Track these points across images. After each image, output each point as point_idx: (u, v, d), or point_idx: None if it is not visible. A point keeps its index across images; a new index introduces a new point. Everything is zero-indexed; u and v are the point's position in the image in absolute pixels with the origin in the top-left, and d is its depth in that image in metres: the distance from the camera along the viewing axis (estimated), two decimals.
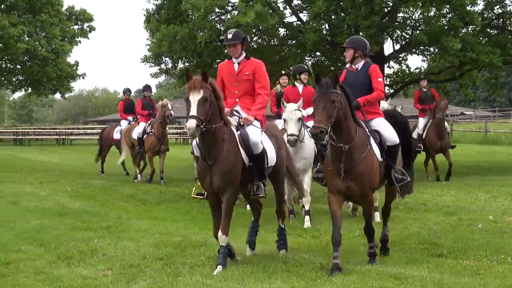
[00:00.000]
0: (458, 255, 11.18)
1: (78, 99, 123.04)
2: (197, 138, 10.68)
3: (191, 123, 9.95)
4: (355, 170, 10.45)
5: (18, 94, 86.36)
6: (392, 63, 31.97)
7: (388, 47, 30.96)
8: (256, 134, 11.18)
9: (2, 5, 55.11)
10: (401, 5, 28.89)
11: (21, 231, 13.87)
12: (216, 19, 28.89)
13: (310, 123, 14.16)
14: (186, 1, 26.93)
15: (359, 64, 11.72)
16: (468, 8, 26.94)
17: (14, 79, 58.98)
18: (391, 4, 29.00)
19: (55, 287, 9.63)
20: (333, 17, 28.04)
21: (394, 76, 32.37)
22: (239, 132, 11.17)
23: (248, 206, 15.97)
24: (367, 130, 10.91)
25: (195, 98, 10.24)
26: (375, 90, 11.43)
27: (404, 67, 32.54)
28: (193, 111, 10.13)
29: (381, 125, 11.39)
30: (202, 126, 10.11)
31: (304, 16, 30.19)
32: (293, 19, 30.56)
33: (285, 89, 17.91)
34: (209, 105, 10.32)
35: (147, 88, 28.19)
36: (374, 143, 10.87)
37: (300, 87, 17.11)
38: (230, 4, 29.00)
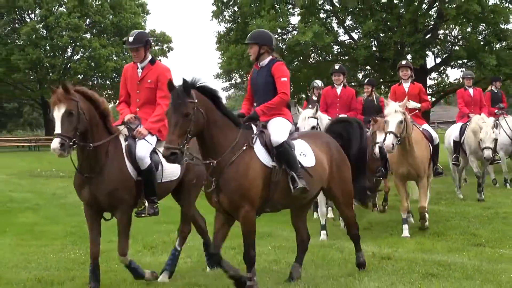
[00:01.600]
0: (495, 245, 11.03)
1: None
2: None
3: (54, 144, 7.83)
4: (222, 177, 7.95)
5: (110, 105, 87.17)
6: (433, 75, 31.67)
7: (430, 61, 30.73)
8: (143, 148, 8.82)
9: (94, 30, 55.79)
10: (442, 23, 28.65)
11: (112, 224, 13.93)
12: (278, 38, 28.94)
13: None
14: (252, 23, 27.03)
15: (265, 61, 8.96)
16: (502, 26, 26.65)
17: (105, 93, 59.56)
18: (432, 22, 28.80)
19: None
20: (381, 35, 27.96)
21: (436, 86, 32.05)
22: (126, 143, 8.84)
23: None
24: (254, 131, 8.41)
25: (57, 113, 8.00)
26: (278, 92, 8.70)
27: (445, 78, 32.21)
28: (57, 129, 7.93)
29: (272, 124, 8.60)
30: (71, 143, 7.93)
31: (355, 34, 30.16)
32: (345, 37, 30.51)
33: (323, 90, 15.58)
34: (77, 119, 8.03)
35: None
36: (260, 144, 8.28)
37: (338, 88, 14.89)
38: (290, 25, 29.09)
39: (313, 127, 12.57)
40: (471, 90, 18.00)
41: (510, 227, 12.78)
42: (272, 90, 8.71)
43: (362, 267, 9.45)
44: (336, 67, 15.44)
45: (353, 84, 29.31)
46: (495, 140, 16.15)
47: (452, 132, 18.12)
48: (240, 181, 7.89)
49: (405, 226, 12.34)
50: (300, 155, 8.55)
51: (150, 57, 9.55)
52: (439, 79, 32.19)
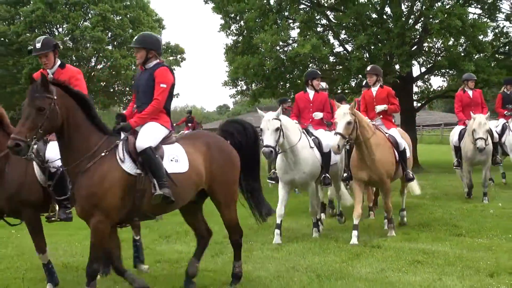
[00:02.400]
0: (474, 235, 11.05)
1: (173, 113, 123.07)
2: None
3: None
4: (76, 184, 7.06)
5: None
6: (419, 83, 31.73)
7: (416, 70, 30.75)
8: (52, 151, 8.02)
9: (115, 42, 55.86)
10: (426, 37, 28.68)
11: None
12: (280, 50, 28.97)
13: (318, 132, 12.20)
14: (256, 37, 27.08)
15: (150, 64, 8.03)
16: (480, 38, 26.71)
17: (125, 99, 59.68)
18: (418, 36, 28.84)
19: (158, 259, 9.72)
20: (372, 47, 27.91)
21: (421, 93, 32.09)
22: (36, 147, 7.58)
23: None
24: (122, 137, 7.42)
25: None
26: (153, 99, 7.75)
27: (429, 86, 32.26)
28: None
29: (141, 130, 7.62)
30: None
31: (349, 47, 30.12)
32: (340, 49, 30.49)
33: (296, 96, 13.51)
34: None
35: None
36: (123, 151, 7.26)
37: (311, 93, 12.82)
38: (291, 38, 29.11)
39: (277, 129, 10.85)
40: (470, 92, 16.32)
41: (488, 219, 12.81)
42: (152, 94, 7.79)
43: (237, 279, 8.21)
44: (317, 71, 13.71)
45: (346, 91, 29.30)
46: (489, 132, 14.98)
47: (453, 136, 16.57)
48: (92, 189, 6.91)
49: (355, 233, 10.78)
50: (171, 161, 7.55)
51: (59, 62, 8.93)
52: (424, 87, 32.14)
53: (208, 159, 7.92)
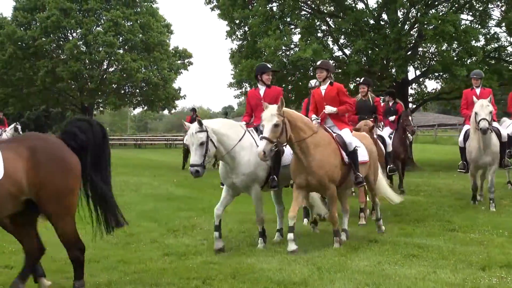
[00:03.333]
0: (466, 230, 11.01)
1: (180, 114, 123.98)
2: None
3: None
4: None
5: (137, 111, 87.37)
6: (414, 86, 31.77)
7: (411, 74, 30.78)
8: None
9: (126, 46, 55.95)
10: (421, 42, 28.67)
11: (140, 211, 14.02)
12: (282, 54, 28.98)
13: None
14: (260, 41, 27.09)
15: None
16: (472, 43, 26.69)
17: (134, 100, 59.75)
18: (413, 41, 28.84)
19: (166, 252, 9.68)
20: (369, 52, 27.90)
21: (416, 95, 32.11)
22: None
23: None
24: None
25: None
26: None
27: (424, 88, 32.29)
28: None
29: None
30: None
31: (348, 51, 30.13)
32: (339, 53, 30.50)
33: (248, 93, 12.00)
34: None
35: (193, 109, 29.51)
36: None
37: (262, 89, 11.04)
38: (293, 43, 29.13)
39: (202, 143, 9.37)
40: (478, 90, 14.66)
41: (480, 215, 12.79)
42: None
43: None
44: (267, 65, 11.70)
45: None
46: (491, 113, 12.91)
47: (460, 136, 14.90)
48: None
49: (290, 236, 9.43)
50: None
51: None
52: (419, 89, 32.18)
53: (32, 165, 6.71)
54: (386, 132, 16.69)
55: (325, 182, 9.64)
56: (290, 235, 9.41)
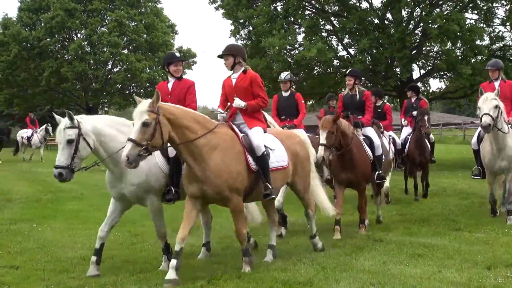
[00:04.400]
0: (471, 229, 10.96)
1: None
2: None
3: None
4: None
5: None
6: (419, 85, 31.84)
7: (416, 73, 30.80)
8: None
9: (131, 46, 56.06)
10: (426, 41, 28.66)
11: (145, 211, 13.87)
12: (287, 54, 28.99)
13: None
14: (265, 41, 27.10)
15: None
16: (477, 42, 26.68)
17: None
18: (418, 40, 28.83)
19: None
20: (374, 51, 27.89)
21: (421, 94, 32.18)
22: None
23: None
24: None
25: None
26: None
27: (428, 87, 32.32)
28: None
29: None
30: None
31: (352, 51, 30.12)
32: (344, 53, 30.50)
33: (157, 86, 9.57)
34: None
35: None
36: None
37: (171, 82, 9.28)
38: (297, 43, 29.13)
39: (70, 141, 7.91)
40: (497, 83, 12.31)
41: (485, 214, 12.74)
42: None
43: None
44: (176, 54, 9.86)
45: None
46: (496, 108, 11.01)
47: (473, 137, 12.92)
48: None
49: (173, 262, 7.82)
50: None
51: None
52: (423, 88, 32.17)
53: None
54: (405, 132, 16.26)
55: (224, 192, 7.93)
56: (173, 262, 7.77)
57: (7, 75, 52.46)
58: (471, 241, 9.94)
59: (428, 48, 30.81)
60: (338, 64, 30.02)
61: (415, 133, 15.66)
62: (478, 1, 28.19)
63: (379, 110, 15.55)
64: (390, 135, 14.91)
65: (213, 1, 31.03)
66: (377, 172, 11.34)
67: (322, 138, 10.33)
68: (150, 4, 57.62)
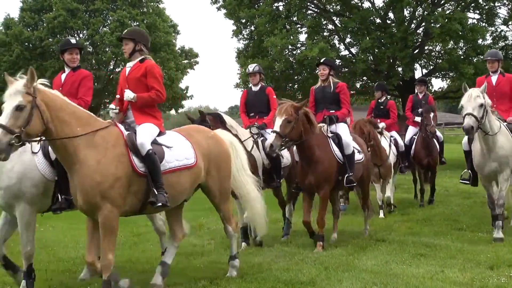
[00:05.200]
0: (474, 229, 10.97)
1: (187, 113, 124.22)
2: None
3: None
4: None
5: None
6: None
7: (418, 73, 30.80)
8: None
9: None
10: (428, 40, 28.67)
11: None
12: (289, 53, 28.99)
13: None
14: (267, 40, 27.12)
15: None
16: (479, 42, 26.69)
17: None
18: (420, 40, 28.83)
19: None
20: (376, 50, 27.89)
21: None
22: None
23: None
24: None
25: None
26: None
27: (430, 87, 32.31)
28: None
29: None
30: None
31: (354, 50, 30.12)
32: (346, 52, 30.50)
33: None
34: None
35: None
36: None
37: (65, 73, 8.56)
38: (299, 42, 29.14)
39: None
40: (495, 77, 11.02)
41: (487, 214, 12.64)
42: None
43: None
44: (70, 40, 9.02)
45: (352, 92, 29.36)
46: (481, 107, 9.59)
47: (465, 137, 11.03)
48: None
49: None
50: None
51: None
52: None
53: None
54: (411, 131, 14.91)
55: (94, 199, 6.53)
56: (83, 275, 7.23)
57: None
58: (473, 241, 9.94)
59: (430, 47, 30.84)
60: (340, 63, 30.03)
61: (421, 132, 14.33)
62: (480, 1, 28.25)
63: (382, 107, 14.63)
64: (392, 136, 14.26)
65: (215, 1, 31.06)
66: (346, 175, 9.81)
67: (276, 125, 9.05)
68: (152, 4, 57.60)
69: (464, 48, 27.64)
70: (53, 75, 51.11)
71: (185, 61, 60.61)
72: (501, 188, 10.34)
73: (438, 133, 15.10)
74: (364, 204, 11.14)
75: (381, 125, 13.78)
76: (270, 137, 9.10)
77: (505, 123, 10.50)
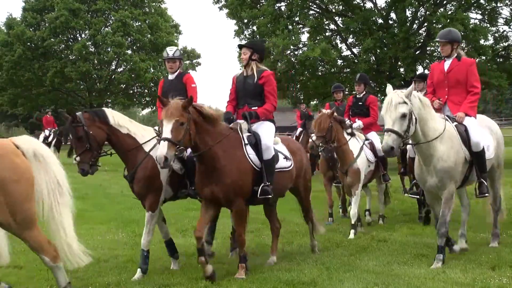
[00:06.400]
0: (476, 230, 10.93)
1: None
2: None
3: None
4: None
5: (146, 111, 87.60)
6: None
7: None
8: None
9: (134, 46, 56.13)
10: (429, 41, 28.66)
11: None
12: (291, 53, 29.00)
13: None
14: (269, 41, 27.15)
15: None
16: (481, 42, 26.69)
17: (143, 100, 59.80)
18: (422, 40, 28.83)
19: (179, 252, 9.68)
20: (378, 51, 27.88)
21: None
22: None
23: None
24: None
25: None
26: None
27: None
28: None
29: None
30: None
31: (356, 50, 30.12)
32: (348, 53, 30.50)
33: None
34: None
35: None
36: None
37: None
38: (301, 43, 29.15)
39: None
40: (447, 63, 9.16)
41: (488, 214, 12.66)
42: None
43: None
44: None
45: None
46: (405, 117, 7.69)
47: None
48: None
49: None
50: None
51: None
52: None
53: None
54: None
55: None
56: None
57: (12, 75, 52.57)
58: (475, 241, 9.93)
59: (432, 48, 30.82)
60: (342, 64, 30.04)
61: None
62: (482, 1, 28.21)
63: (361, 103, 12.65)
64: (368, 139, 12.10)
65: (217, 1, 31.07)
66: (262, 185, 7.92)
67: (166, 131, 7.20)
68: (154, 4, 57.72)
69: (466, 48, 27.64)
70: (55, 75, 51.09)
71: (187, 62, 60.67)
72: (443, 211, 8.39)
73: None
74: (306, 217, 9.52)
75: (356, 124, 12.21)
76: (162, 147, 7.12)
77: (454, 123, 8.64)
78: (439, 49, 31.15)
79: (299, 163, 8.97)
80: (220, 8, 31.06)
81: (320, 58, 26.18)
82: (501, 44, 28.83)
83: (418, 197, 10.21)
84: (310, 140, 10.88)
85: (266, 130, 8.31)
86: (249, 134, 8.21)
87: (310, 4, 30.07)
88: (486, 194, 9.02)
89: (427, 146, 8.08)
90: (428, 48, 30.13)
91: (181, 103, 7.35)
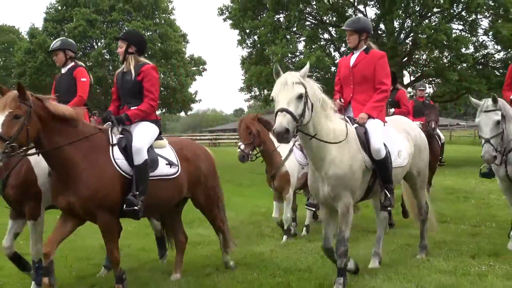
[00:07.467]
0: (457, 222, 10.94)
1: (196, 116, 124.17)
2: None
3: None
4: None
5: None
6: (409, 89, 31.90)
7: (406, 79, 30.82)
8: None
9: (146, 54, 56.12)
10: (415, 50, 28.71)
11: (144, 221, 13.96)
12: (288, 61, 29.03)
13: None
14: (268, 49, 27.17)
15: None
16: (463, 50, 26.74)
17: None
18: (408, 49, 28.86)
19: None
20: None
21: (410, 98, 32.24)
22: None
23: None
24: None
25: None
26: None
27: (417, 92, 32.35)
28: None
29: None
30: None
31: None
32: None
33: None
34: None
35: None
36: None
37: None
38: (298, 51, 29.19)
39: None
40: (355, 56, 7.61)
41: (469, 208, 12.72)
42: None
43: None
44: None
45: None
46: (301, 99, 6.12)
47: None
48: None
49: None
50: None
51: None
52: (412, 93, 32.21)
53: None
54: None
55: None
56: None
57: (34, 79, 52.59)
58: (457, 233, 9.92)
59: (418, 56, 30.86)
60: (336, 70, 30.12)
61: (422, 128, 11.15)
62: (464, 13, 28.21)
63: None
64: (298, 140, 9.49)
65: (222, 13, 31.08)
66: (130, 194, 6.25)
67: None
68: (164, 15, 57.69)
69: (449, 56, 27.68)
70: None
71: (194, 68, 60.68)
72: (340, 228, 6.61)
73: (440, 134, 13.28)
74: (217, 230, 7.97)
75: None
76: None
77: (354, 126, 6.89)
78: (424, 57, 31.15)
79: (196, 170, 7.22)
80: (224, 20, 31.09)
81: (315, 65, 26.17)
82: (481, 52, 28.84)
83: (314, 209, 8.48)
84: (238, 150, 9.32)
85: (140, 131, 6.64)
86: (121, 136, 6.52)
87: (307, 16, 30.09)
88: (389, 208, 7.16)
89: (318, 148, 6.28)
90: (414, 56, 30.18)
91: (18, 93, 5.64)
